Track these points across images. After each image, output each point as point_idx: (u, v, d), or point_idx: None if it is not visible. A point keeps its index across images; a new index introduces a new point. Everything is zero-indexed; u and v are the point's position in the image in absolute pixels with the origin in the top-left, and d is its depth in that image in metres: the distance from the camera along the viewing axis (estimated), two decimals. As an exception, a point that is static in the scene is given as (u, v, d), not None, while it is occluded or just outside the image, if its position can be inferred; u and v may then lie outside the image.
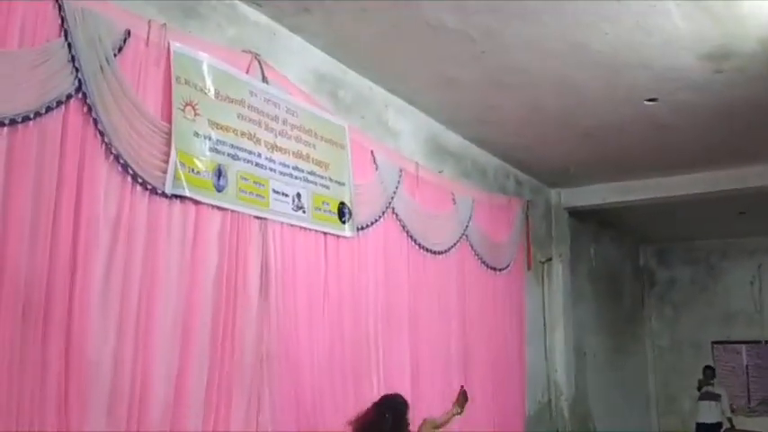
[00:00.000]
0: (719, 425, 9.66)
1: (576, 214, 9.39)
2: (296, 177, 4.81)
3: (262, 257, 4.46)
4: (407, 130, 6.38)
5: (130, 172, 3.68)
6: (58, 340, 3.22)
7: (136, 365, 3.58)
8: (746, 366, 11.57)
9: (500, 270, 7.37)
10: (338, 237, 5.13)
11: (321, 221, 4.99)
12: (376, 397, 5.26)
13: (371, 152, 5.69)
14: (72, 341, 3.28)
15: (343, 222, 5.19)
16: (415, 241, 6.08)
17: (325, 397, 4.76)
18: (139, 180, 3.73)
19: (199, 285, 3.99)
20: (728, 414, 9.74)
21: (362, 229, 5.42)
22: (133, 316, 3.61)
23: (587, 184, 8.72)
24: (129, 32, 3.74)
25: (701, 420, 9.65)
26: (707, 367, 10.40)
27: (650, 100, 6.04)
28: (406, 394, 5.59)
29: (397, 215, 5.89)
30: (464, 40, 5.03)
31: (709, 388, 10.02)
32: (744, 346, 11.48)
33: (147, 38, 3.84)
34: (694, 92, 5.86)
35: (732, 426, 9.48)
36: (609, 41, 4.98)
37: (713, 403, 9.76)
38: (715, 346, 11.45)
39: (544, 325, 8.48)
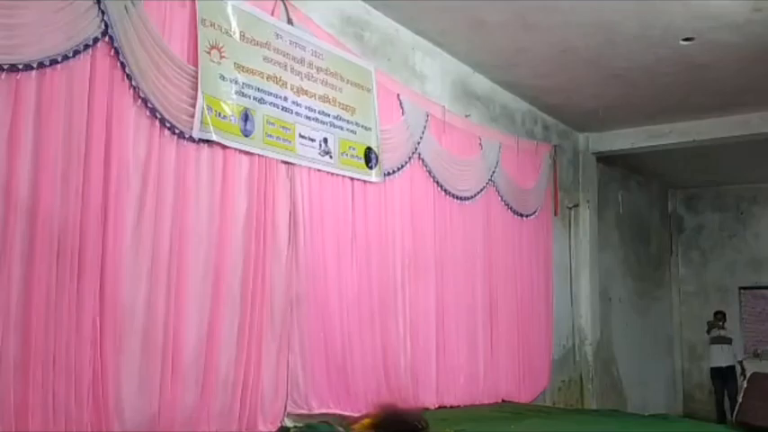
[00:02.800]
0: (733, 368, 9.62)
1: (604, 159, 9.24)
2: (322, 122, 4.77)
3: (290, 203, 4.48)
4: (434, 73, 6.26)
5: (158, 116, 3.68)
6: (91, 283, 3.28)
7: (168, 309, 3.65)
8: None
9: (527, 216, 7.31)
10: (365, 182, 5.10)
11: (348, 167, 4.97)
12: (401, 343, 5.33)
13: (398, 96, 5.60)
14: (105, 285, 3.34)
15: (370, 168, 5.16)
16: (441, 187, 6.03)
17: (354, 339, 4.82)
18: (167, 124, 3.72)
19: (228, 230, 4.01)
20: (740, 358, 9.69)
21: (389, 174, 5.38)
22: (165, 260, 3.65)
23: (616, 128, 8.55)
24: (153, -26, 3.67)
25: (714, 365, 9.64)
26: (717, 312, 10.35)
27: (686, 39, 5.83)
28: (431, 339, 5.68)
29: (423, 160, 5.83)
30: (494, -23, 4.87)
31: (721, 332, 9.98)
32: (772, 293, 11.37)
33: (172, -21, 3.77)
34: (732, 31, 5.65)
35: (743, 369, 9.41)
36: (645, -22, 4.79)
37: (726, 346, 9.74)
38: (742, 291, 11.36)
39: (570, 271, 8.44)
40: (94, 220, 3.30)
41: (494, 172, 6.79)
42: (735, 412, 6.09)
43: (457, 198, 6.24)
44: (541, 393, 7.13)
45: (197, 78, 3.85)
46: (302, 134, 4.60)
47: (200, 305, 3.84)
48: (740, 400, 5.86)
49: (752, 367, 8.91)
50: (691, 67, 6.41)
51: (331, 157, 4.82)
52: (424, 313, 5.66)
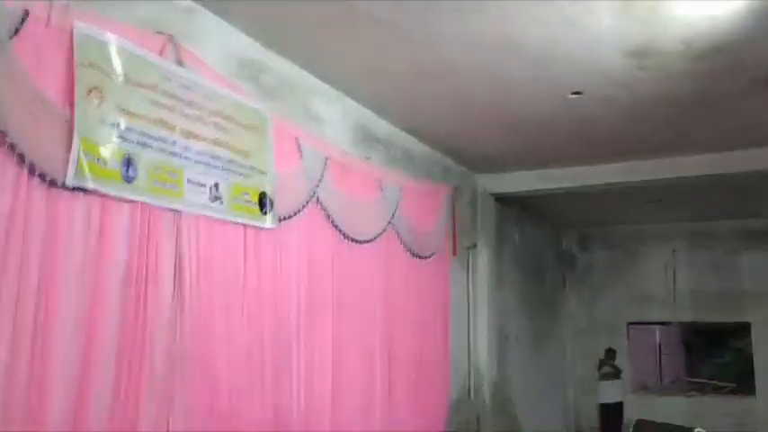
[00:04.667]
0: (621, 405, 9.93)
1: (502, 200, 9.48)
2: (213, 166, 4.58)
3: (175, 252, 4.24)
4: (335, 116, 6.20)
5: (27, 163, 3.39)
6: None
7: (32, 369, 3.33)
8: (659, 346, 12.08)
9: (426, 257, 7.34)
10: (259, 228, 4.94)
11: (240, 212, 4.79)
12: (295, 397, 5.15)
13: (296, 139, 5.50)
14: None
15: (264, 213, 5.00)
16: (339, 230, 5.95)
17: (243, 398, 4.60)
18: (37, 171, 3.44)
19: (104, 284, 3.73)
20: (628, 392, 10.03)
21: (285, 219, 5.24)
22: (30, 318, 3.34)
23: (511, 170, 8.79)
24: (27, 13, 3.40)
25: (602, 401, 9.95)
26: (608, 350, 10.78)
27: (575, 93, 6.07)
28: (326, 392, 5.53)
29: (321, 204, 5.73)
30: (395, 30, 4.89)
31: (611, 369, 10.37)
32: (657, 328, 11.97)
33: (48, 19, 3.51)
34: (618, 87, 5.93)
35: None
36: (536, 37, 4.94)
37: (616, 381, 10.09)
38: (630, 327, 11.88)
39: (468, 311, 8.54)
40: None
41: (393, 214, 6.78)
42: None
43: (356, 241, 6.18)
44: (438, 437, 7.11)
45: (72, 122, 3.59)
46: (191, 179, 4.39)
47: (69, 365, 3.52)
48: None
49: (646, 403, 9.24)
50: (579, 119, 6.68)
51: (222, 202, 4.63)
52: (320, 365, 5.51)
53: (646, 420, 7.29)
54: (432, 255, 7.46)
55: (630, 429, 6.40)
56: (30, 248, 3.37)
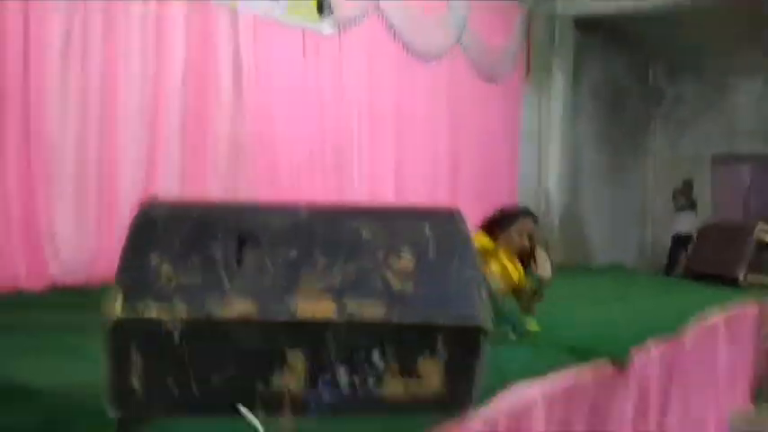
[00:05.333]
0: (691, 237, 9.70)
1: (583, 25, 8.92)
2: (271, -34, 4.53)
3: (233, 50, 4.33)
4: None
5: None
6: (13, 117, 3.19)
7: (101, 152, 3.59)
8: (749, 183, 11.54)
9: (495, 80, 7.15)
10: (317, 34, 4.92)
11: (298, 15, 4.77)
12: (357, 193, 5.33)
13: (359, -56, 5.30)
14: (30, 120, 3.25)
15: (323, 17, 4.95)
16: (402, 43, 5.83)
17: (304, 193, 4.80)
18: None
19: (165, 73, 3.90)
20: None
21: (344, 26, 5.18)
22: (95, 101, 3.57)
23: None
24: None
25: (676, 232, 9.76)
26: (685, 181, 10.43)
27: None
28: (389, 192, 5.68)
29: (383, 14, 5.60)
30: None
31: (686, 201, 10.07)
32: (749, 166, 11.38)
33: None
34: None
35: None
36: None
37: (691, 213, 9.84)
38: (715, 162, 11.40)
39: (539, 138, 8.39)
40: (12, 51, 3.17)
41: (461, 31, 6.56)
42: (684, 264, 6.25)
43: (420, 57, 6.06)
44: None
45: None
46: (248, -23, 4.38)
47: (136, 150, 3.78)
48: (690, 250, 5.99)
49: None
50: None
51: (280, 4, 4.61)
52: (382, 169, 5.63)
53: (710, 224, 7.19)
54: (501, 78, 7.25)
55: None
56: (91, 32, 3.51)
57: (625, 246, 10.81)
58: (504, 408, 1.57)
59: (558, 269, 6.62)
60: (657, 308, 3.63)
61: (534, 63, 8.01)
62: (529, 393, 1.68)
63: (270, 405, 1.29)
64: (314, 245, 1.36)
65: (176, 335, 1.23)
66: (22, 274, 3.22)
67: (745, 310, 3.85)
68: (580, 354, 2.13)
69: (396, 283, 1.33)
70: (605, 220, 10.02)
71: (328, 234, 1.38)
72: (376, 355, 1.31)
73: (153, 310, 1.22)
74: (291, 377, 1.30)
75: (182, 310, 1.23)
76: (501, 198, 7.25)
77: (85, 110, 3.50)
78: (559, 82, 8.61)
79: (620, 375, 2.13)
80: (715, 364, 3.32)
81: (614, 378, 2.09)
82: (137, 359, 1.23)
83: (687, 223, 9.70)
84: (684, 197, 10.14)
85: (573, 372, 1.92)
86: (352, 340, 1.29)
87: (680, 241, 9.52)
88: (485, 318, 1.31)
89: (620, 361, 2.13)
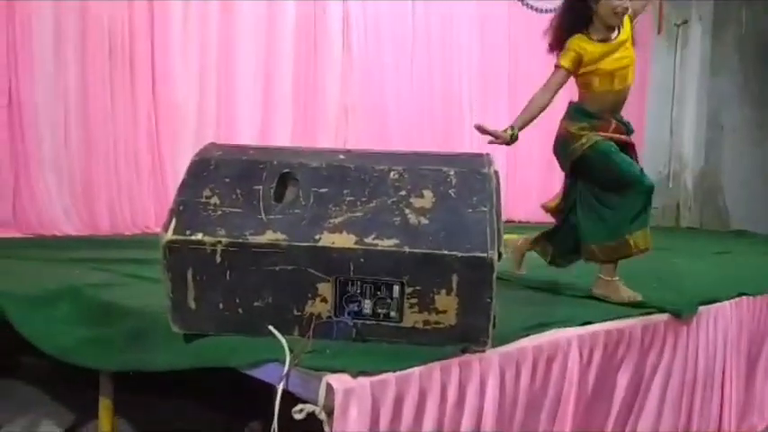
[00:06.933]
0: None
1: (728, -30, 8.26)
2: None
3: (343, 12, 4.51)
4: None
5: None
6: (143, 81, 3.60)
7: (220, 111, 3.94)
8: None
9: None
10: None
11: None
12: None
13: None
14: (156, 83, 3.65)
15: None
16: (516, -4, 5.73)
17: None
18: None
19: (277, 34, 4.16)
20: None
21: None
22: (213, 62, 3.90)
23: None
24: None
25: None
26: None
27: None
28: (502, 161, 5.66)
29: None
30: None
31: None
32: None
33: None
34: None
35: None
36: None
37: None
38: None
39: (673, 94, 7.93)
40: (140, 19, 3.55)
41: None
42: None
43: (535, 9, 5.91)
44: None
45: None
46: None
47: (252, 105, 4.09)
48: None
49: None
50: None
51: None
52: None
53: None
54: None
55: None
56: (209, 16, 3.85)
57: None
58: (531, 347, 1.64)
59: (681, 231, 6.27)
60: (755, 267, 3.42)
61: (668, 12, 7.53)
62: (563, 335, 1.74)
63: (303, 328, 1.48)
64: (344, 184, 1.52)
65: (218, 257, 1.44)
66: (151, 218, 3.65)
67: None
68: (641, 305, 2.13)
69: (413, 219, 1.46)
70: (749, 185, 9.31)
71: (358, 174, 1.53)
72: (396, 290, 1.45)
73: (199, 234, 1.43)
74: (323, 305, 1.47)
75: (222, 234, 1.43)
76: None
77: (204, 76, 3.84)
78: (697, 33, 8.05)
79: (681, 327, 2.10)
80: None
81: (671, 331, 2.07)
82: (190, 280, 1.45)
83: None
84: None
85: (621, 321, 1.94)
86: (372, 270, 1.44)
87: None
88: (493, 251, 1.40)
89: (681, 313, 2.10)
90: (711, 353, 2.26)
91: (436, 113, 5.17)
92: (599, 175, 2.25)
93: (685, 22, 7.86)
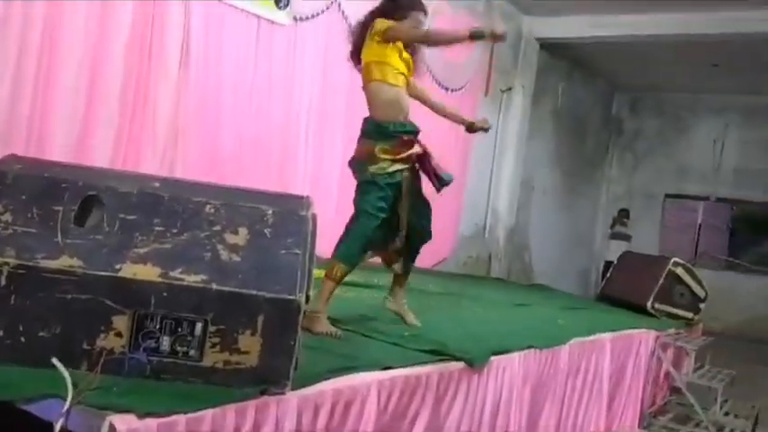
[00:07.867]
0: None
1: (550, 48, 9.16)
2: (230, -50, 4.60)
3: (184, 30, 4.39)
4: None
5: None
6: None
7: (33, 119, 3.62)
8: (699, 224, 11.78)
9: (452, 90, 7.30)
10: (273, 23, 5.01)
11: (254, 3, 4.85)
12: (301, 187, 5.42)
13: (322, -61, 5.40)
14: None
15: (280, 8, 5.05)
16: (360, 43, 5.93)
17: (247, 181, 4.87)
18: None
19: (107, 41, 3.94)
20: None
21: (302, 19, 5.28)
22: (33, 58, 3.60)
23: (563, 14, 8.41)
24: None
25: (608, 258, 10.04)
26: (622, 209, 10.79)
27: None
28: (333, 193, 5.78)
29: (343, 12, 5.70)
30: None
31: (622, 229, 10.44)
32: (701, 204, 11.64)
33: None
34: None
35: None
36: None
37: (623, 243, 10.16)
38: (667, 199, 11.72)
39: (494, 154, 8.57)
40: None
41: (422, 39, 6.68)
42: (602, 286, 6.47)
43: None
44: (442, 262, 7.40)
45: None
46: (204, -41, 4.45)
47: (69, 120, 3.81)
48: (609, 275, 6.22)
49: None
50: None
51: (237, -12, 4.70)
52: (328, 167, 5.71)
53: (631, 252, 7.44)
54: (459, 89, 7.40)
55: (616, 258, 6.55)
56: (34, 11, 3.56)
57: (567, 268, 11.07)
58: (331, 390, 1.67)
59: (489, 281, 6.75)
60: (548, 321, 3.76)
61: (496, 79, 8.17)
62: (362, 380, 1.79)
63: (92, 362, 1.38)
64: (156, 213, 1.46)
65: (2, 279, 1.31)
66: None
67: (640, 334, 4.02)
68: (438, 352, 2.24)
69: (224, 255, 1.44)
70: (552, 243, 10.26)
71: (172, 204, 1.48)
72: (199, 328, 1.41)
73: (-19, 253, 1.31)
74: (117, 339, 1.39)
75: (11, 255, 1.32)
76: (444, 209, 7.40)
77: (22, 70, 3.53)
78: (519, 100, 8.81)
79: (473, 375, 2.25)
80: (599, 382, 3.48)
81: (464, 379, 2.20)
82: (-33, 299, 1.32)
83: (619, 251, 9.96)
84: (620, 225, 10.49)
85: (420, 367, 2.03)
86: (175, 305, 1.39)
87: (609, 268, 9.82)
88: (301, 294, 1.42)
89: (473, 362, 2.25)
90: (496, 403, 2.43)
91: (273, 143, 5.17)
92: None
93: (510, 89, 8.57)
